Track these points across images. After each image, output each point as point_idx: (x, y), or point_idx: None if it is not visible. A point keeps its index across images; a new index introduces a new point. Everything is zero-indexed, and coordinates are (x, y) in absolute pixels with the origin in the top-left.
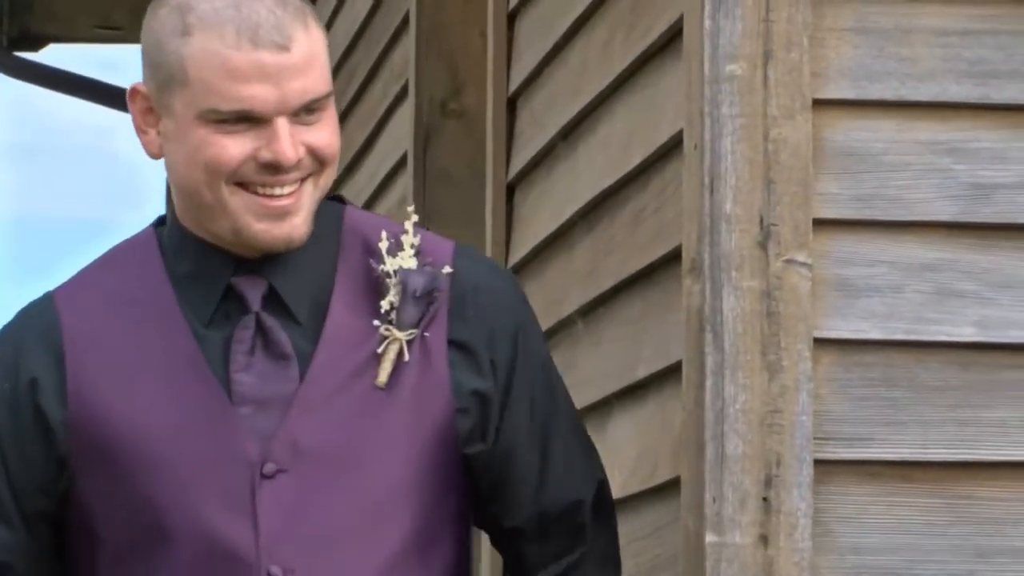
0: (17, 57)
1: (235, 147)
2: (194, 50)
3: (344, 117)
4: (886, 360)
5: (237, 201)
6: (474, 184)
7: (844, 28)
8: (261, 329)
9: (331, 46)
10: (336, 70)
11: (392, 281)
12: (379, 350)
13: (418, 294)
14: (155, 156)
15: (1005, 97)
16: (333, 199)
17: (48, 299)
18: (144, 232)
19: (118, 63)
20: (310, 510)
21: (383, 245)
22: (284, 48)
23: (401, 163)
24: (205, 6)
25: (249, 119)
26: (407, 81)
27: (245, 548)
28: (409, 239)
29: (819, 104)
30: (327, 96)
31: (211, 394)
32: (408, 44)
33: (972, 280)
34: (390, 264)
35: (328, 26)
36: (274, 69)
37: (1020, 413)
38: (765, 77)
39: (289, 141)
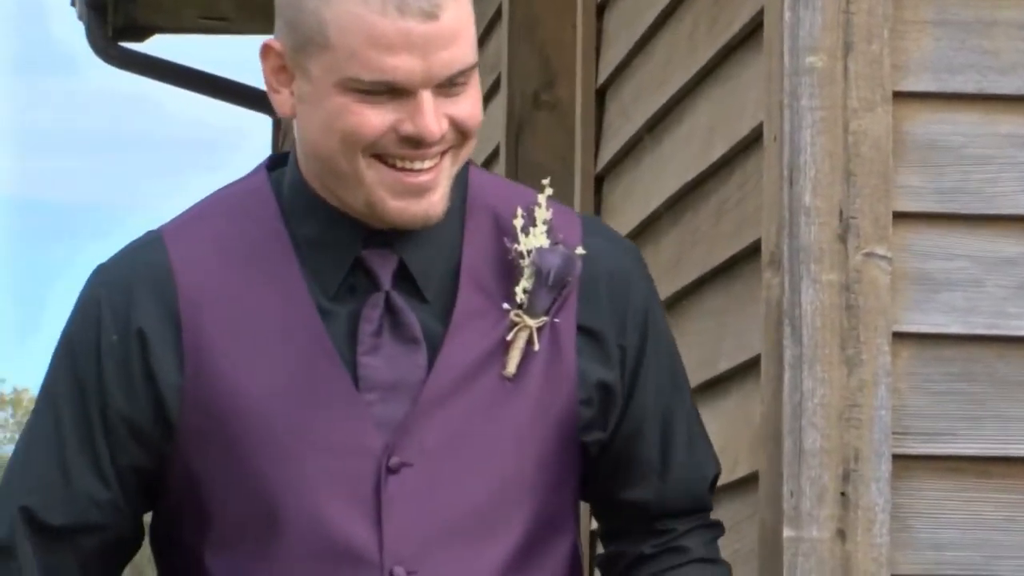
0: (123, 47)
1: (376, 118)
2: (336, 13)
3: None
4: (966, 355)
5: (373, 175)
6: (565, 176)
7: (925, 20)
8: (390, 309)
9: None
10: None
11: (525, 262)
12: (508, 337)
13: (552, 280)
14: (286, 116)
15: None
16: None
17: (158, 242)
18: (256, 179)
19: (224, 57)
20: (435, 507)
21: (518, 223)
22: (432, 16)
23: (494, 155)
24: None
25: (392, 90)
26: (500, 73)
27: (367, 546)
28: (543, 213)
29: (900, 96)
30: (473, 67)
31: (337, 376)
32: (501, 36)
33: None
34: (524, 243)
35: None
36: (421, 39)
37: None
38: (845, 69)
39: (433, 115)
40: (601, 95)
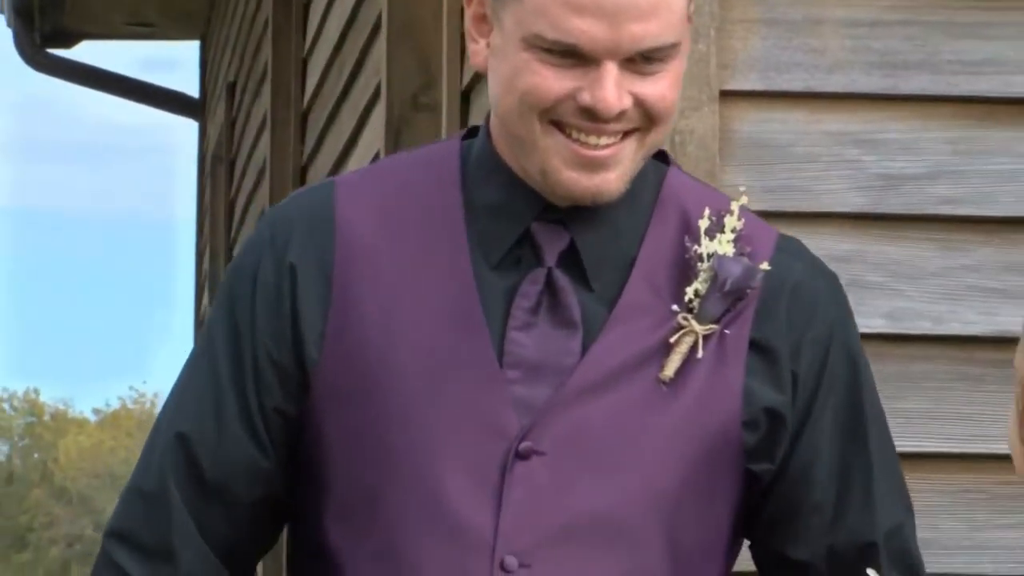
0: (50, 54)
1: (556, 82)
2: None
3: (334, 113)
4: None
5: (548, 141)
6: None
7: (752, 19)
8: (551, 287)
9: (324, 42)
10: (328, 66)
11: (703, 266)
12: (672, 340)
13: (728, 288)
14: (480, 69)
15: (913, 88)
16: (659, 156)
17: (329, 187)
18: (450, 143)
19: (153, 60)
20: (562, 500)
21: (703, 224)
22: None
23: (377, 158)
24: None
25: (576, 55)
26: (380, 78)
27: (482, 529)
28: (733, 222)
29: (726, 95)
30: (672, 47)
31: (481, 348)
32: (381, 40)
33: (882, 271)
34: (706, 247)
35: (321, 23)
36: (612, 7)
37: (930, 404)
38: None
39: (614, 88)
40: (467, 96)
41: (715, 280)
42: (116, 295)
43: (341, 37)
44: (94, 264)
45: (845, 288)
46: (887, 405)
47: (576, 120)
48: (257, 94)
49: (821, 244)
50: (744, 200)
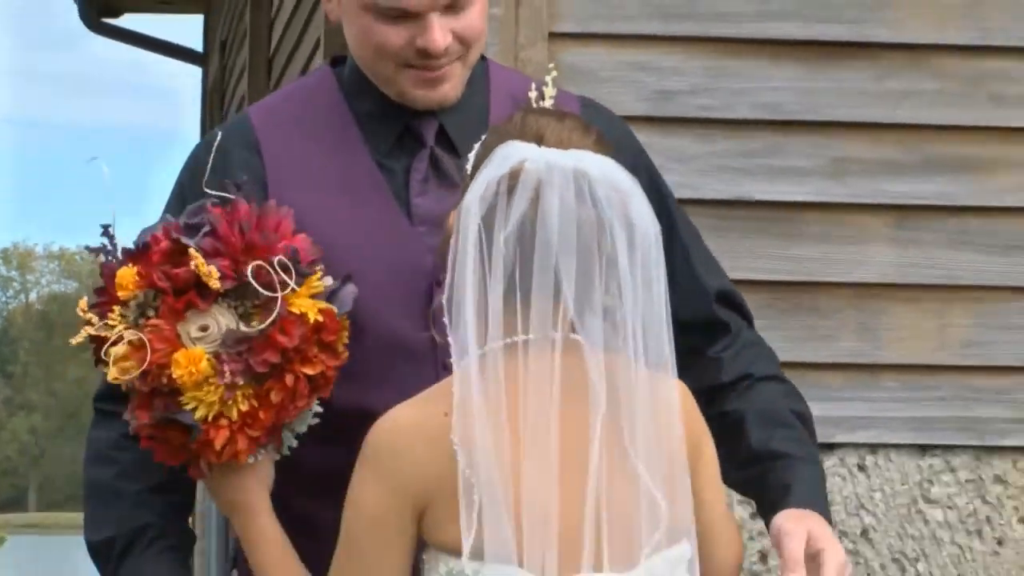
0: (103, 22)
1: (394, 36)
2: None
3: (288, 61)
4: None
5: (400, 75)
6: None
7: None
8: (434, 161)
9: (284, 11)
10: (286, 28)
11: None
12: None
13: None
14: (335, 23)
15: (681, 31)
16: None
17: (245, 117)
18: (320, 72)
19: (172, 25)
20: None
21: (532, 95)
22: None
23: None
24: None
25: (406, 14)
26: (319, 34)
27: (423, 346)
28: (549, 91)
29: (553, 36)
30: None
31: (394, 214)
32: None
33: (657, 156)
34: None
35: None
36: None
37: None
38: (516, 17)
39: (439, 32)
40: None
41: None
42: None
43: (294, 9)
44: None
45: None
46: None
47: (417, 60)
48: (240, 48)
49: None
50: (554, 74)
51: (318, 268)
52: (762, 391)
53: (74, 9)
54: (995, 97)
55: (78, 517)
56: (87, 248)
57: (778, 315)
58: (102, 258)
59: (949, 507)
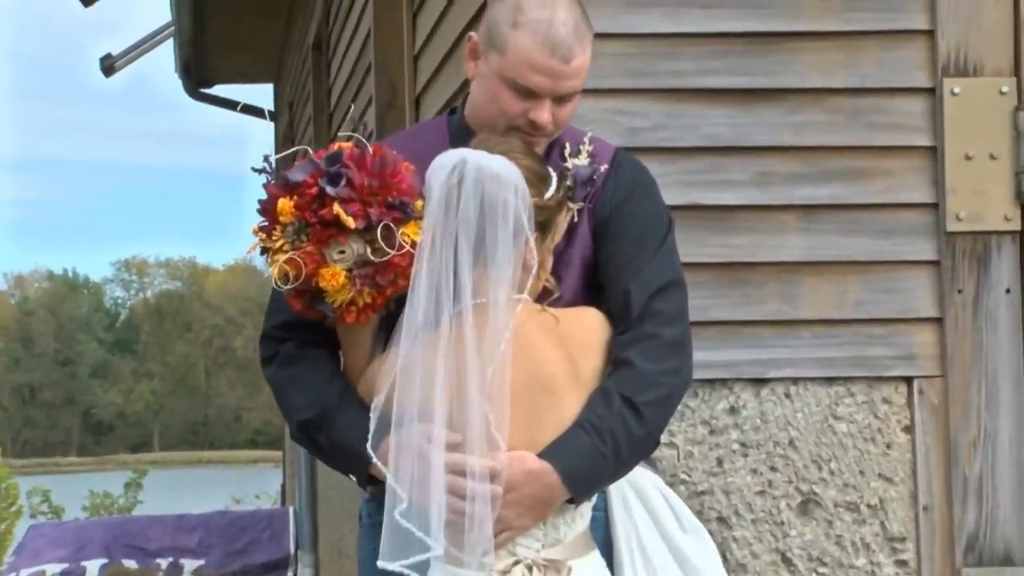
0: (203, 92)
1: (516, 105)
2: (516, 39)
3: (343, 118)
4: None
5: (506, 133)
6: None
7: None
8: None
9: (338, 82)
10: (339, 97)
11: (569, 172)
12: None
13: (578, 181)
14: (470, 78)
15: (645, 84)
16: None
17: (387, 138)
18: (439, 118)
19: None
20: None
21: (567, 150)
22: (567, 61)
23: (371, 136)
24: (532, 14)
25: (530, 93)
26: (371, 94)
27: None
28: (585, 147)
29: None
30: (578, 91)
31: None
32: (371, 75)
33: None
34: (571, 162)
35: (338, 71)
36: (557, 73)
37: None
38: None
39: (547, 113)
40: (418, 101)
41: (575, 178)
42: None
43: (348, 78)
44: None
45: None
46: None
47: (525, 126)
48: (305, 106)
49: None
50: (591, 134)
51: (420, 200)
52: (615, 374)
53: (179, 84)
54: (869, 124)
55: (190, 455)
56: (252, 168)
57: (721, 288)
58: (264, 178)
59: (851, 422)
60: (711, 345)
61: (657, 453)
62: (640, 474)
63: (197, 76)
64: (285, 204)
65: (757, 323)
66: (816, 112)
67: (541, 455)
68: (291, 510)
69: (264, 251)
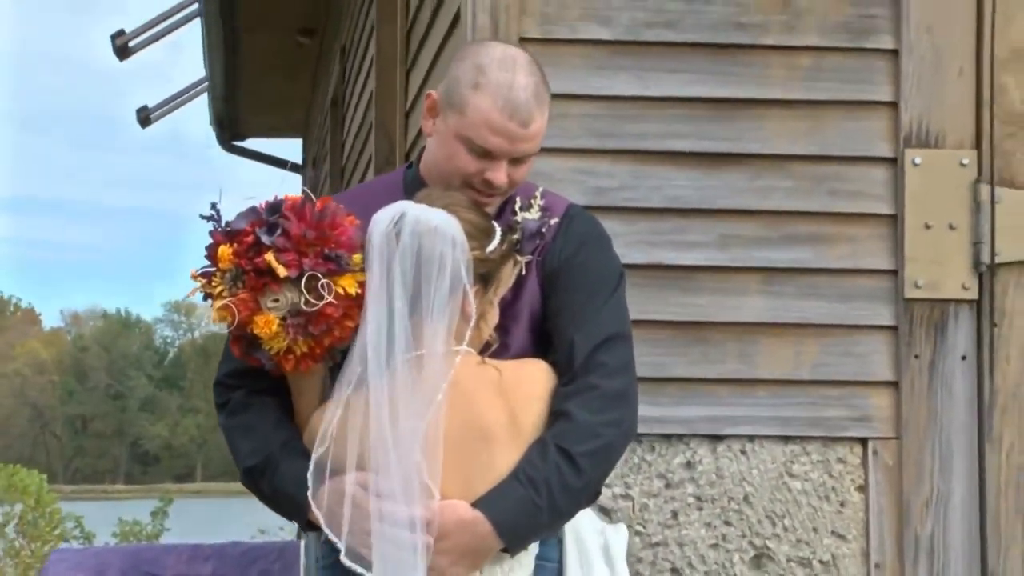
0: (235, 144)
1: (472, 164)
2: (476, 101)
3: (356, 165)
4: None
5: (462, 191)
6: None
7: None
8: None
9: (352, 129)
10: (352, 144)
11: (519, 225)
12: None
13: (527, 235)
14: (427, 135)
15: (611, 145)
16: None
17: (335, 198)
18: (397, 172)
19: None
20: None
21: (518, 205)
22: (526, 125)
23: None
24: (493, 76)
25: (488, 154)
26: (371, 153)
27: None
28: (536, 200)
29: None
30: (534, 153)
31: None
32: (373, 134)
33: None
34: (520, 215)
35: (356, 123)
36: (514, 136)
37: None
38: None
39: (503, 174)
40: (408, 156)
41: (523, 231)
42: None
43: (356, 134)
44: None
45: None
46: None
47: (479, 186)
48: (324, 161)
49: None
50: (542, 189)
51: (360, 253)
52: (553, 426)
53: (213, 136)
54: (832, 191)
55: (230, 486)
56: (200, 216)
57: (681, 346)
58: (211, 226)
59: (806, 480)
60: (670, 401)
61: (612, 504)
62: (590, 534)
63: (231, 130)
64: (225, 251)
65: (715, 381)
66: (779, 177)
67: (474, 504)
68: (302, 543)
69: (207, 296)
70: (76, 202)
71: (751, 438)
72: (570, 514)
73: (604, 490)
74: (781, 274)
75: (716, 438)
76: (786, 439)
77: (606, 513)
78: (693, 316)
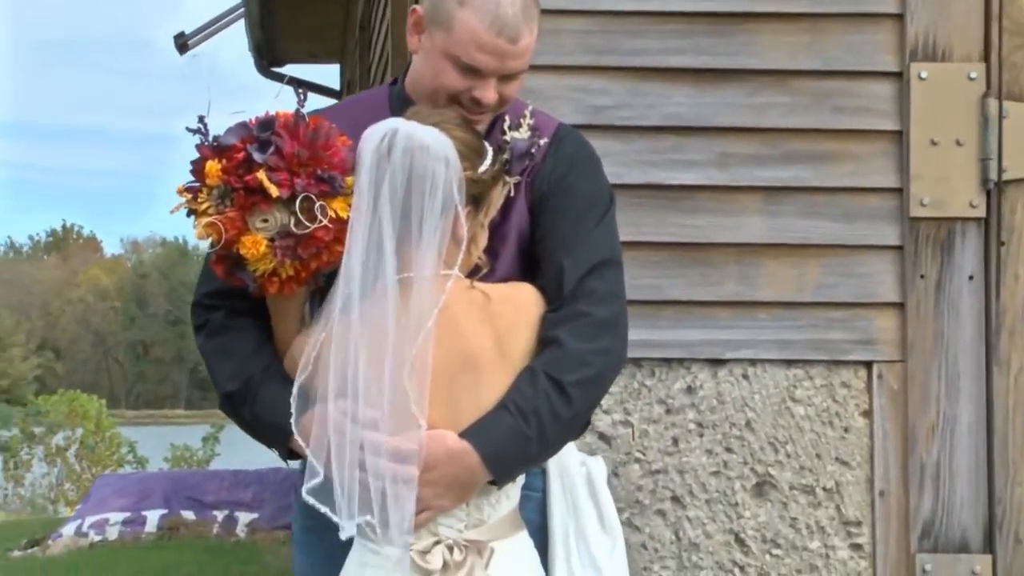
0: (273, 71)
1: (460, 82)
2: (462, 17)
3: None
4: None
5: (449, 108)
6: None
7: None
8: None
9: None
10: (377, 64)
11: (508, 145)
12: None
13: (515, 155)
14: (412, 51)
15: (608, 62)
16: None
17: (320, 113)
18: (381, 88)
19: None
20: None
21: (507, 124)
22: (514, 42)
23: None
24: None
25: (475, 71)
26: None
27: None
28: (526, 120)
29: None
30: (523, 71)
31: None
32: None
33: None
34: (510, 135)
35: (378, 41)
36: (503, 53)
37: None
38: None
39: (492, 92)
40: None
41: (512, 151)
42: None
43: (379, 57)
44: None
45: None
46: None
47: (467, 104)
48: (357, 87)
49: None
50: (530, 108)
51: (352, 176)
52: (542, 354)
53: (251, 63)
54: (835, 108)
55: None
56: (187, 128)
57: (680, 268)
58: (197, 139)
59: (809, 405)
60: (668, 324)
61: (612, 431)
62: (574, 464)
63: (268, 56)
64: (213, 167)
65: (715, 304)
66: (779, 93)
67: (462, 435)
68: None
69: (190, 212)
70: (133, 132)
71: (753, 362)
72: (559, 445)
73: (603, 416)
74: (782, 193)
75: (717, 362)
76: (789, 363)
77: (605, 440)
78: (692, 237)
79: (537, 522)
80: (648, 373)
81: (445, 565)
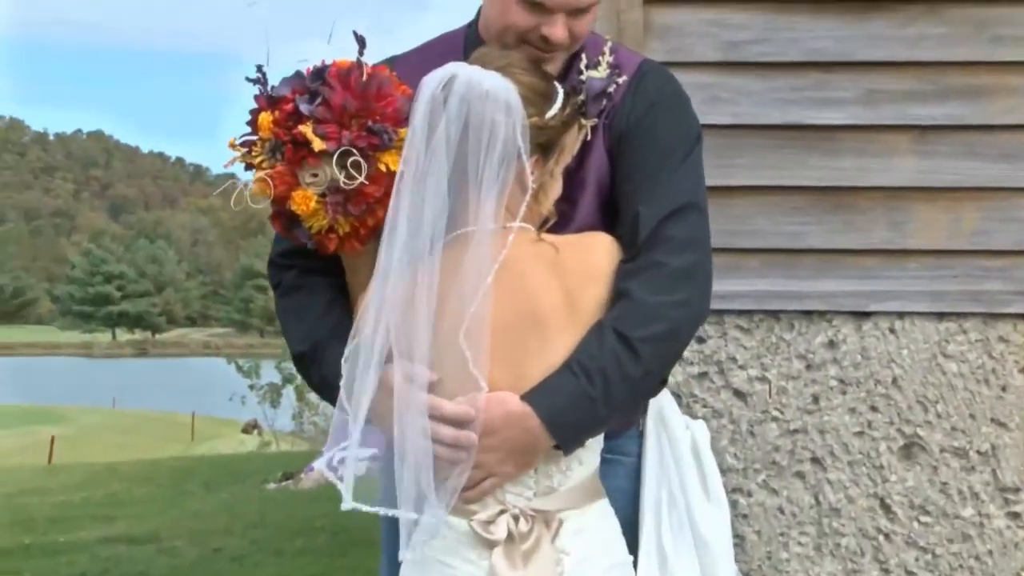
0: None
1: (526, 19)
2: None
3: None
4: None
5: (518, 49)
6: None
7: None
8: None
9: None
10: None
11: (584, 85)
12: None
13: (592, 95)
14: None
15: None
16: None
17: (390, 62)
18: (459, 29)
19: None
20: None
21: (583, 62)
22: None
23: None
24: None
25: (543, 8)
26: None
27: None
28: (605, 57)
29: (647, 1)
30: (594, 5)
31: None
32: None
33: (723, 90)
34: (587, 74)
35: None
36: None
37: None
38: None
39: (561, 28)
40: None
41: (588, 92)
42: None
43: None
44: None
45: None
46: None
47: (537, 43)
48: None
49: (691, 78)
50: (610, 44)
51: (406, 127)
52: (613, 308)
53: None
54: (994, 38)
55: None
56: (246, 78)
57: (823, 213)
58: (256, 89)
59: (962, 361)
60: (808, 274)
61: (748, 388)
62: (677, 428)
63: None
64: (265, 119)
65: (860, 252)
66: (933, 24)
67: (523, 397)
68: None
69: (248, 166)
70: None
71: (901, 315)
72: (631, 406)
73: (738, 372)
74: (935, 132)
75: (862, 315)
76: (940, 316)
77: (740, 397)
78: (835, 180)
79: (631, 491)
80: (787, 326)
81: (510, 536)
